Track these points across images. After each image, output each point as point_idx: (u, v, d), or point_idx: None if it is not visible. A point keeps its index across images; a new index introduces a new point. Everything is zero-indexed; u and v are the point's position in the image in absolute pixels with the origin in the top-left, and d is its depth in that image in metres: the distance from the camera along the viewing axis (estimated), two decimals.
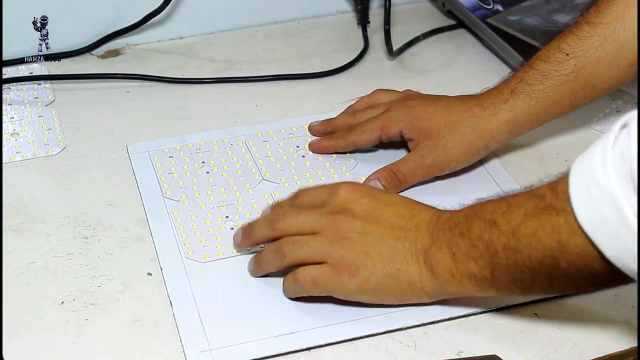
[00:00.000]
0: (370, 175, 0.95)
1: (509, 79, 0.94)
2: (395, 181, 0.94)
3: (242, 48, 1.21)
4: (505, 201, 0.73)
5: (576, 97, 0.92)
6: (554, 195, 0.68)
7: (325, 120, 1.03)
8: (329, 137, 1.00)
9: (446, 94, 1.10)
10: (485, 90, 0.96)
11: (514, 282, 0.73)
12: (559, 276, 0.70)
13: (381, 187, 0.93)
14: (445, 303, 0.82)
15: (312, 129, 1.03)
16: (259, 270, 0.84)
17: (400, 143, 0.99)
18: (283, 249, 0.80)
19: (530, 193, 0.71)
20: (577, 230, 0.66)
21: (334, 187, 0.82)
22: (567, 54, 0.91)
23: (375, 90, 1.03)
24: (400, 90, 1.03)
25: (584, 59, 0.90)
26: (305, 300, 0.82)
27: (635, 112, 0.63)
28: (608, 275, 0.66)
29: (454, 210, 0.78)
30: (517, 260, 0.71)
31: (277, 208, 0.85)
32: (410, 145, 0.96)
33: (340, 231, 0.79)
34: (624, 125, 0.63)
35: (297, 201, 0.84)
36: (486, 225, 0.73)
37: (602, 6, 0.90)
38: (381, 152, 1.01)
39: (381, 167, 0.95)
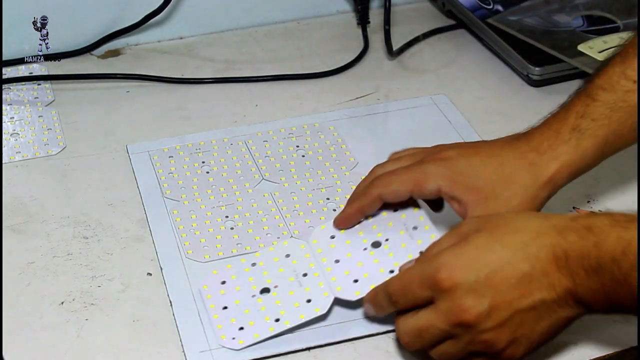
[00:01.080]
0: (429, 246, 0.78)
1: (565, 113, 0.81)
2: None
3: (242, 48, 1.21)
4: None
5: None
6: None
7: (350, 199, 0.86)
8: (351, 201, 0.84)
9: (447, 94, 1.10)
10: (531, 129, 0.82)
11: None
12: None
13: None
14: None
15: (335, 221, 0.85)
16: None
17: None
18: (425, 341, 0.73)
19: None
20: None
21: (432, 279, 0.71)
22: (634, 81, 0.79)
23: (404, 149, 0.88)
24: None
25: None
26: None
27: None
28: None
29: (578, 235, 0.68)
30: None
31: (373, 297, 0.77)
32: (454, 206, 0.80)
33: (476, 335, 0.70)
34: None
35: (394, 298, 0.74)
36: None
37: None
38: (381, 152, 1.02)
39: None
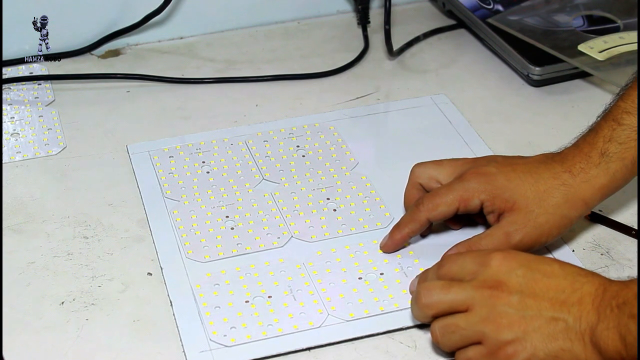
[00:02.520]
0: (448, 251, 0.85)
1: (594, 137, 0.84)
2: None
3: (242, 48, 1.21)
4: None
5: None
6: None
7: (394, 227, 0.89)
8: (399, 226, 0.87)
9: (448, 94, 1.10)
10: (564, 149, 0.86)
11: None
12: None
13: None
14: None
15: (383, 247, 0.88)
16: None
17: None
18: (436, 333, 0.75)
19: None
20: None
21: (485, 257, 0.75)
22: None
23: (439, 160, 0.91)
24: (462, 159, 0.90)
25: None
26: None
27: None
28: None
29: (622, 282, 0.71)
30: None
31: (423, 280, 0.79)
32: (489, 217, 0.85)
33: (496, 308, 0.73)
34: None
35: (443, 271, 0.77)
36: None
37: None
38: (381, 152, 1.02)
39: (459, 241, 0.85)
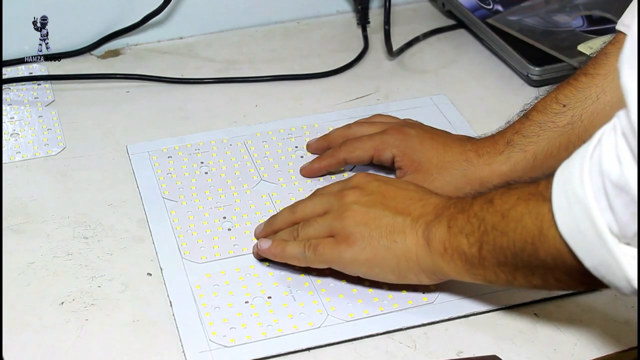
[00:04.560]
0: None
1: (506, 129, 0.92)
2: None
3: (242, 48, 1.21)
4: (509, 184, 0.74)
5: (573, 149, 0.86)
6: (547, 184, 0.68)
7: (321, 136, 1.01)
8: (320, 158, 0.98)
9: (447, 94, 1.10)
10: (483, 136, 0.94)
11: (499, 266, 0.73)
12: (539, 266, 0.70)
13: None
14: (445, 303, 0.83)
15: (309, 147, 1.01)
16: (275, 250, 0.85)
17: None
18: (297, 229, 0.84)
19: (532, 180, 0.72)
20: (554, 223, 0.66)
21: (352, 176, 0.86)
22: (564, 105, 0.89)
23: (375, 115, 1.02)
24: (396, 119, 1.01)
25: (581, 110, 0.88)
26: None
27: (608, 125, 0.62)
28: (584, 273, 0.66)
29: (469, 198, 0.78)
30: (502, 242, 0.72)
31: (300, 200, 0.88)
32: (398, 173, 0.94)
33: (345, 204, 0.82)
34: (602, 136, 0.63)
35: (318, 191, 0.88)
36: (485, 204, 0.74)
37: (599, 58, 0.89)
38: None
39: (373, 172, 0.93)
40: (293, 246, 0.83)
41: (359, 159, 0.95)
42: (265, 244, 0.85)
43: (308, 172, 0.98)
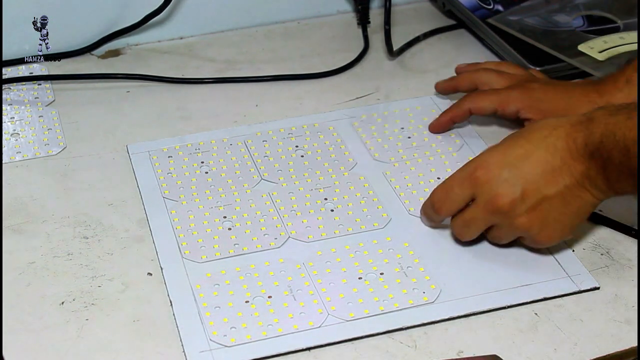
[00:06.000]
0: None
1: (624, 68, 0.96)
2: None
3: (242, 48, 1.21)
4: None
5: None
6: None
7: (450, 77, 1.06)
8: (445, 111, 1.02)
9: (448, 94, 1.10)
10: (604, 75, 0.99)
11: None
12: None
13: None
14: (445, 303, 0.83)
15: (437, 86, 1.07)
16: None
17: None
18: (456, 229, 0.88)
19: None
20: None
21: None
22: None
23: (502, 63, 1.07)
24: (522, 71, 1.05)
25: None
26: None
27: None
28: None
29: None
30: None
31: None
32: (526, 124, 0.97)
33: (492, 186, 0.83)
34: None
35: (437, 205, 0.88)
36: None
37: None
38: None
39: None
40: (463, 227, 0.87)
41: (483, 110, 1.00)
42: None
43: (436, 126, 1.03)
